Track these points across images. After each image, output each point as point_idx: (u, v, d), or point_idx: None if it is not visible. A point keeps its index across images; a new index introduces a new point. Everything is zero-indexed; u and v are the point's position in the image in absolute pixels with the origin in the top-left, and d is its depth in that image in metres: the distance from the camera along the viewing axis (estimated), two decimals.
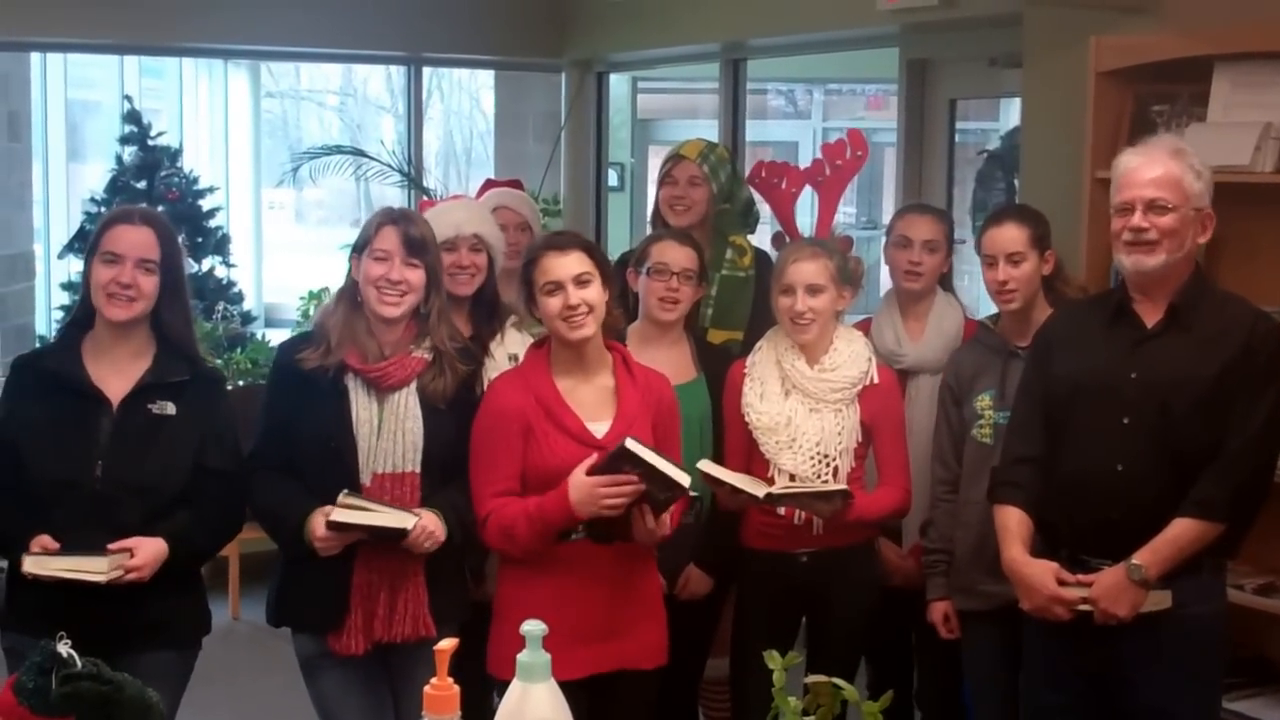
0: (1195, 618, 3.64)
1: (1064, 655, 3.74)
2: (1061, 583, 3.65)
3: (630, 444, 3.60)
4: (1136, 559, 3.56)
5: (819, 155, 5.52)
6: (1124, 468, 3.63)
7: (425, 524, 3.76)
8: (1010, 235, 4.22)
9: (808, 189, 5.47)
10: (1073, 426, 3.73)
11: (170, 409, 3.77)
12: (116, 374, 3.76)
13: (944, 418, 4.32)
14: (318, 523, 3.73)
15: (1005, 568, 3.76)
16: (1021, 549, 3.73)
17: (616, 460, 3.62)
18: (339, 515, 3.70)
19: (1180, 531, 3.57)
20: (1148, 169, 3.67)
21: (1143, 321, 3.71)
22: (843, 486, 4.10)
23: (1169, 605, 3.59)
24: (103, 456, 3.68)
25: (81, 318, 3.82)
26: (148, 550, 3.66)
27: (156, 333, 3.82)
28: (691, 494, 3.81)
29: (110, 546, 3.61)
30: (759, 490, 4.05)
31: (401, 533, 3.73)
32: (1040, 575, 3.67)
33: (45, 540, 3.59)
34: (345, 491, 3.72)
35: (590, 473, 3.66)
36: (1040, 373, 3.86)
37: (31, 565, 3.56)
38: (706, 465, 4.06)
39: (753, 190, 5.35)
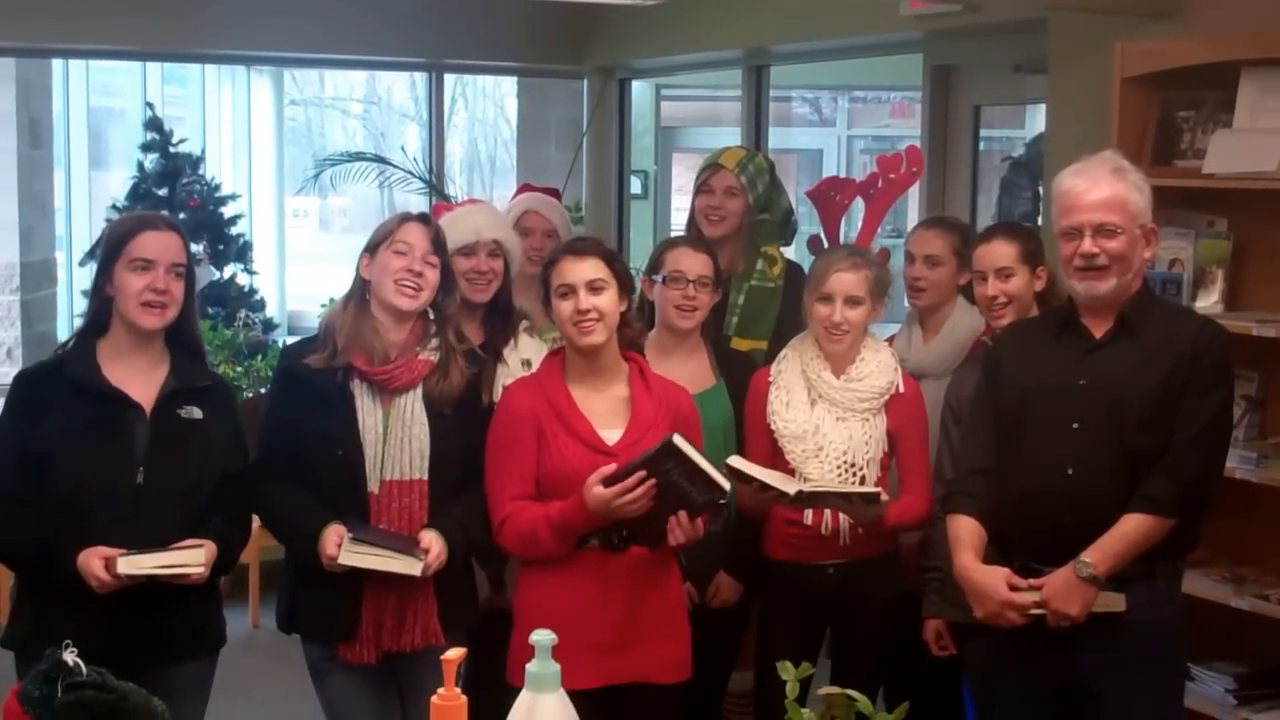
0: (1151, 623, 3.61)
1: (1027, 667, 3.71)
2: (1013, 588, 3.61)
3: (678, 440, 3.59)
4: (1084, 556, 3.53)
5: (875, 168, 5.48)
6: (1074, 471, 3.61)
7: (430, 562, 3.73)
8: (1000, 250, 4.19)
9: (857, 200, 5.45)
10: (1024, 435, 3.71)
11: (197, 414, 3.75)
12: (137, 380, 3.71)
13: (945, 437, 4.26)
14: (329, 542, 3.71)
15: (956, 575, 3.73)
16: (972, 556, 3.70)
17: (662, 455, 3.59)
18: (346, 560, 3.68)
19: (1129, 528, 3.54)
20: (1092, 191, 3.62)
21: (1090, 333, 3.69)
22: (874, 489, 4.06)
23: (1123, 608, 3.57)
24: (143, 463, 3.65)
25: (96, 325, 3.76)
26: (208, 551, 3.64)
27: (167, 337, 3.78)
28: (719, 501, 3.78)
29: (174, 546, 3.59)
30: (790, 487, 3.99)
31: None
32: (991, 581, 3.63)
33: (105, 550, 3.53)
34: (350, 537, 3.68)
35: (630, 466, 3.63)
36: (991, 385, 3.84)
37: (126, 566, 3.50)
38: (736, 461, 3.99)
39: (798, 199, 5.28)
